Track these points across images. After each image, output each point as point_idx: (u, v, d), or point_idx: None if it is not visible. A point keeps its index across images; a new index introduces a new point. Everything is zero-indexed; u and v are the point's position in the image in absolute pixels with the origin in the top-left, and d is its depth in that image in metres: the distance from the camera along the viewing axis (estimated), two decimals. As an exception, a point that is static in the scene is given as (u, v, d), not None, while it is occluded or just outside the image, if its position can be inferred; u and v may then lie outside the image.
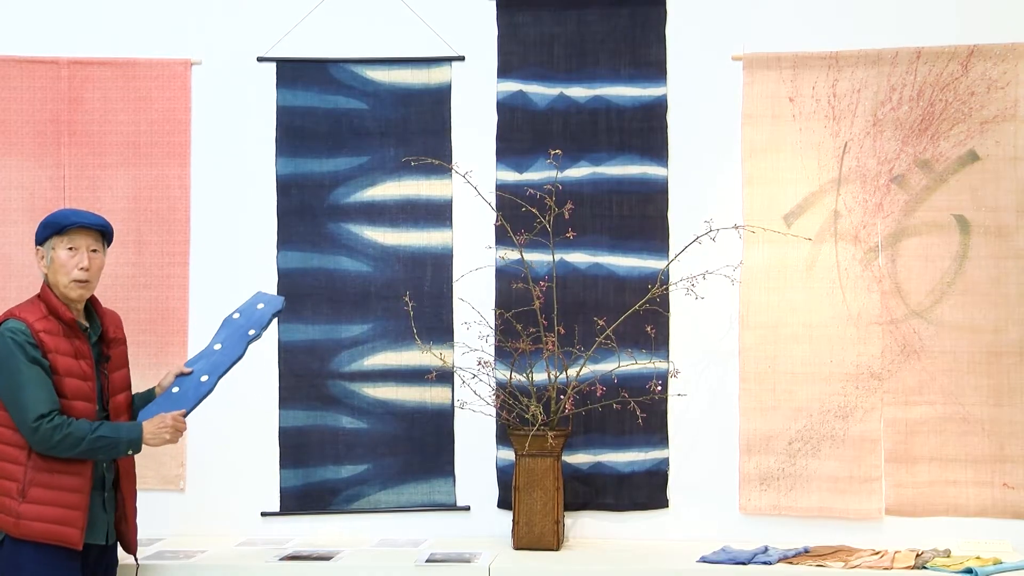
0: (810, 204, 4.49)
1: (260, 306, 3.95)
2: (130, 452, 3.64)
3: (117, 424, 3.65)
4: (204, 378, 3.80)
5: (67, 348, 3.62)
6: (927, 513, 4.38)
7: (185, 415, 3.73)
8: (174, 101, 4.63)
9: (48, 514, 3.54)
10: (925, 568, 3.97)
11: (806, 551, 4.19)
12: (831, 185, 4.48)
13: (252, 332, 3.88)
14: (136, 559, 3.86)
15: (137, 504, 3.84)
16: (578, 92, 4.63)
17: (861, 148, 4.47)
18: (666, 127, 4.59)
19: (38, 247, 3.69)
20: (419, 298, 4.57)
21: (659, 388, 4.39)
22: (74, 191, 4.58)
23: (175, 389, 3.81)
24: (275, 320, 3.97)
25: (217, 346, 3.88)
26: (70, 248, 3.66)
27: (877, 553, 4.16)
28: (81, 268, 3.66)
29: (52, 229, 3.67)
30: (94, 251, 3.70)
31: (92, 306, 3.77)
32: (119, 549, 3.84)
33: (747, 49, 4.54)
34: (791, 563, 4.04)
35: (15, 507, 3.52)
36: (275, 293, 3.89)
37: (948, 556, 4.08)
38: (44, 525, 3.53)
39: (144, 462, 4.40)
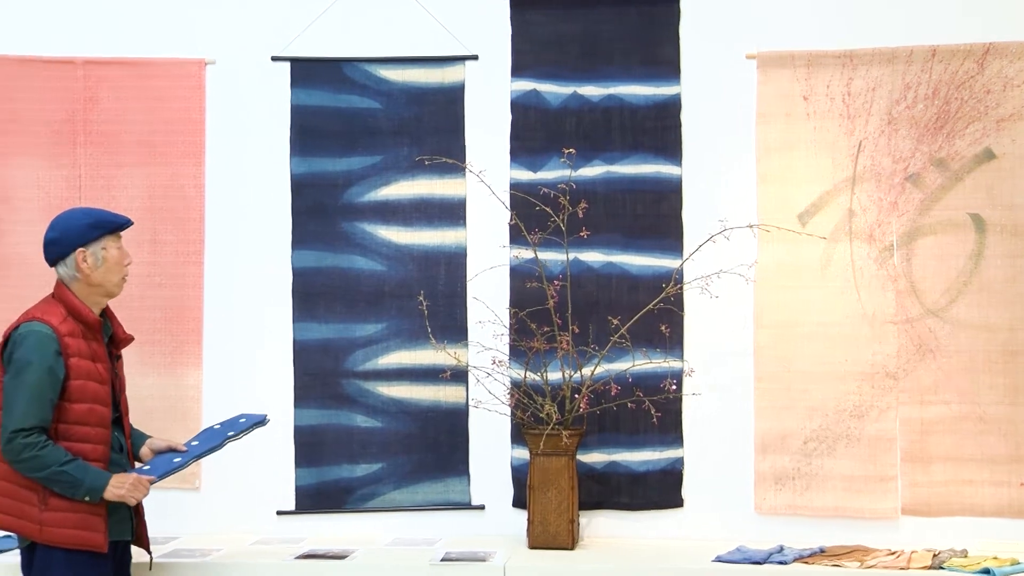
0: (825, 203, 4.48)
1: (242, 420, 3.93)
2: (86, 499, 3.52)
3: (87, 466, 3.53)
4: (177, 459, 3.76)
5: (86, 351, 3.61)
6: (943, 513, 4.36)
7: (151, 483, 3.66)
8: (189, 101, 4.64)
9: (71, 520, 3.53)
10: (942, 568, 3.96)
11: (822, 551, 4.18)
12: (846, 184, 4.47)
13: (231, 433, 3.85)
14: (151, 553, 3.86)
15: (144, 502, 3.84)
16: (592, 91, 4.62)
17: (876, 147, 4.45)
18: (680, 126, 4.59)
19: (81, 248, 3.61)
20: (433, 297, 4.57)
21: (673, 387, 4.39)
22: (90, 190, 4.60)
23: (177, 459, 3.76)
24: (252, 431, 3.89)
25: (195, 442, 3.86)
26: (118, 247, 3.68)
27: (893, 553, 4.15)
28: (127, 264, 3.70)
29: (105, 228, 3.65)
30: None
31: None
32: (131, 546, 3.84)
33: (761, 47, 4.53)
34: (807, 563, 4.03)
35: (37, 515, 3.52)
36: (237, 439, 3.87)
37: (965, 556, 4.07)
38: (68, 531, 3.53)
39: (159, 461, 4.42)
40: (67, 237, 3.62)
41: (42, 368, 3.50)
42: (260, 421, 3.90)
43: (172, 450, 3.81)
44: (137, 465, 3.79)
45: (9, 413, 3.49)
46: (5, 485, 3.55)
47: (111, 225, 3.67)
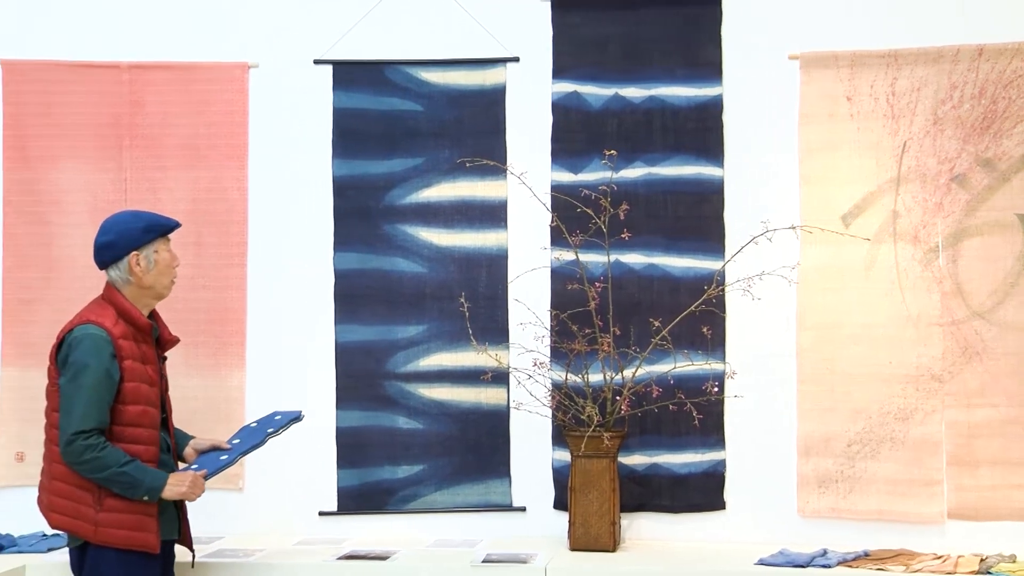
0: (868, 204, 4.44)
1: (277, 417, 3.95)
2: (145, 498, 3.56)
3: (145, 467, 3.57)
4: (223, 457, 3.80)
5: (137, 353, 3.64)
6: (990, 517, 4.30)
7: (206, 478, 3.71)
8: (232, 104, 4.68)
9: (126, 521, 3.56)
10: (989, 573, 3.91)
11: (866, 554, 4.14)
12: (890, 185, 4.43)
13: (271, 430, 3.88)
14: (193, 552, 3.89)
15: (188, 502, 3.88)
16: (633, 92, 4.61)
17: (921, 147, 4.41)
18: (722, 127, 4.57)
19: (135, 252, 3.63)
20: (474, 299, 4.58)
21: (715, 389, 4.37)
22: (135, 193, 4.65)
23: (223, 458, 3.79)
24: (290, 427, 3.92)
25: (236, 440, 3.89)
26: (169, 250, 3.72)
27: (939, 557, 4.10)
28: (176, 266, 3.74)
29: (158, 231, 3.68)
30: None
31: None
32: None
33: (804, 48, 4.50)
34: (850, 566, 4.00)
35: (93, 515, 3.55)
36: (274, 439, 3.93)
37: (1013, 561, 4.02)
38: (123, 532, 3.56)
39: (203, 461, 4.46)
40: (121, 240, 3.64)
41: (99, 371, 3.53)
42: (296, 417, 3.92)
43: (216, 448, 3.85)
44: (182, 465, 3.82)
45: (68, 415, 3.52)
46: (61, 486, 3.58)
47: (163, 228, 3.70)
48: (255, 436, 3.87)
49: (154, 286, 3.69)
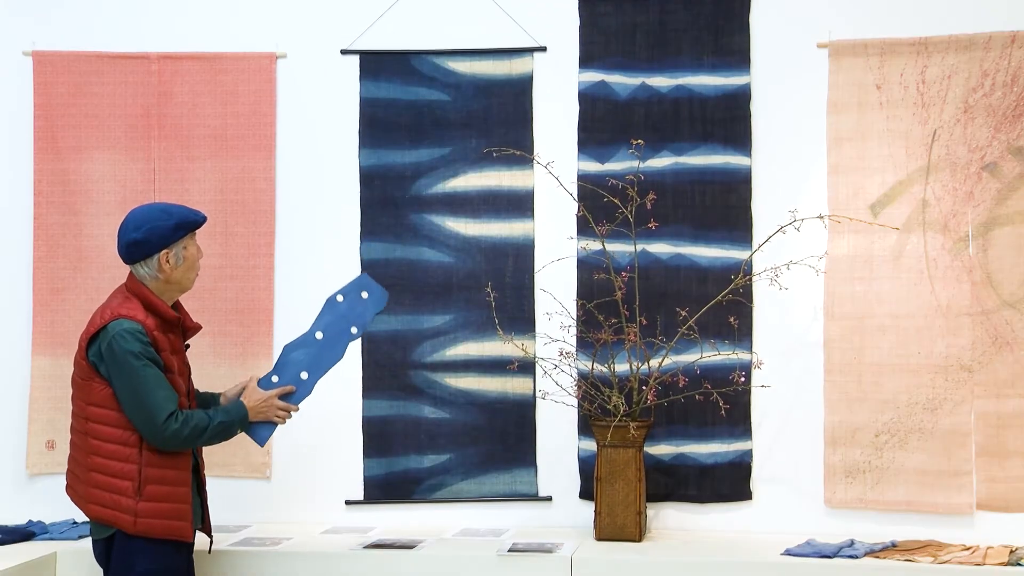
0: (897, 193, 4.41)
1: (364, 295, 3.96)
2: (238, 431, 3.75)
3: (225, 408, 3.75)
4: (304, 375, 3.86)
5: (167, 345, 3.67)
6: (1020, 509, 4.26)
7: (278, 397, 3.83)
8: (260, 94, 4.70)
9: (164, 510, 3.60)
10: (1019, 565, 3.87)
11: (893, 545, 4.12)
12: (919, 174, 4.40)
13: (354, 330, 3.92)
14: (211, 538, 3.91)
15: (213, 485, 3.95)
16: (660, 81, 4.60)
17: (951, 135, 4.37)
18: (750, 116, 4.54)
19: (166, 250, 3.65)
20: (501, 288, 4.58)
21: (742, 379, 4.35)
22: (163, 183, 4.68)
23: (274, 379, 3.87)
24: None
25: (319, 335, 3.92)
26: (196, 245, 3.75)
27: (968, 548, 4.08)
28: (200, 259, 3.77)
29: (188, 228, 3.70)
30: None
31: None
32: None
33: (833, 36, 4.47)
34: (878, 557, 3.97)
35: (133, 505, 3.56)
36: (361, 338, 3.90)
37: (1043, 553, 3.99)
38: (161, 521, 3.59)
39: (231, 450, 4.49)
40: (152, 239, 3.64)
41: (150, 357, 3.57)
42: (381, 307, 3.96)
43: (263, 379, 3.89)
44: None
45: (148, 409, 3.54)
46: (100, 477, 3.59)
47: (193, 224, 3.72)
48: (337, 347, 3.91)
49: (181, 281, 3.72)
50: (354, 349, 4.62)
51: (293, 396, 3.87)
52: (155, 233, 3.64)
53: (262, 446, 3.92)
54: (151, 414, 3.53)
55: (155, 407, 3.53)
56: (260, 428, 3.85)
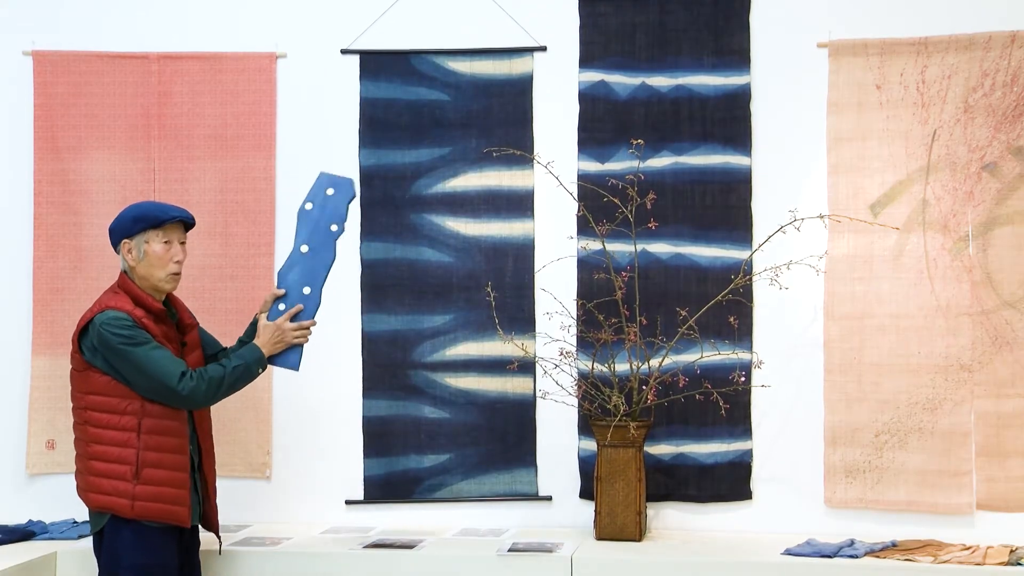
0: (897, 193, 4.41)
1: (330, 191, 3.98)
2: (260, 371, 3.79)
3: (239, 352, 3.81)
4: (307, 290, 3.91)
5: (159, 333, 3.70)
6: (1020, 508, 4.27)
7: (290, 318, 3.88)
8: (260, 94, 4.70)
9: (162, 494, 3.62)
10: (1019, 564, 3.87)
11: (894, 545, 4.12)
12: (919, 173, 4.40)
13: (335, 228, 3.94)
14: (220, 538, 3.92)
15: (217, 486, 3.92)
16: (660, 81, 4.60)
17: (951, 135, 4.37)
18: (750, 116, 4.54)
19: (125, 240, 3.73)
20: (501, 288, 4.58)
21: (742, 379, 4.35)
22: (163, 183, 4.68)
23: (280, 307, 3.91)
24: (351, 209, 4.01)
25: (304, 248, 3.95)
26: (166, 242, 3.74)
27: (968, 548, 4.08)
28: (176, 261, 3.75)
29: (147, 223, 3.72)
30: (182, 243, 3.79)
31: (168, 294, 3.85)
32: (200, 531, 3.92)
33: (833, 36, 4.47)
34: (878, 556, 3.97)
35: (130, 489, 3.60)
36: (345, 229, 3.91)
37: (1042, 552, 3.99)
38: (157, 505, 3.62)
39: (231, 449, 4.51)
40: (116, 228, 3.75)
41: (143, 337, 3.61)
42: (351, 196, 3.97)
43: (276, 297, 3.92)
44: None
45: (159, 376, 3.59)
46: (99, 464, 3.63)
47: (152, 220, 3.73)
48: (326, 250, 3.91)
49: (147, 278, 3.74)
50: (354, 349, 4.65)
51: (304, 314, 3.91)
52: (118, 223, 3.75)
53: (297, 370, 3.95)
54: (163, 382, 3.59)
55: (164, 374, 3.59)
56: (286, 356, 3.91)
